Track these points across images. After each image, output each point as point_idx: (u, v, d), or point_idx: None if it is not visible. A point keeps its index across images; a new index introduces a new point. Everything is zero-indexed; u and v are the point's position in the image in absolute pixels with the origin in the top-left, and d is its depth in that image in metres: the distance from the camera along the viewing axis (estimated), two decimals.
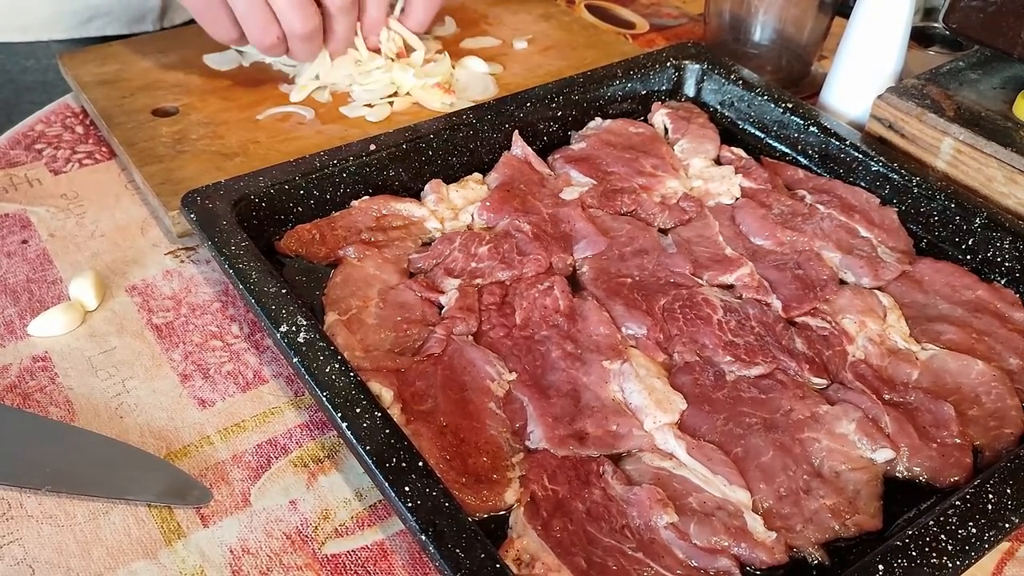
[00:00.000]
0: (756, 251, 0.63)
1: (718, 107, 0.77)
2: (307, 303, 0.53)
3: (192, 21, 0.75)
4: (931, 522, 0.43)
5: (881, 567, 0.41)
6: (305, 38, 0.71)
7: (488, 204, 0.65)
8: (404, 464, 0.43)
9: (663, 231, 0.65)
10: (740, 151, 0.72)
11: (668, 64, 0.78)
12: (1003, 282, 0.61)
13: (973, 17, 0.70)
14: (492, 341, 0.55)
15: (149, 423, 0.52)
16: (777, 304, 0.59)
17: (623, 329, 0.56)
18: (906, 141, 0.71)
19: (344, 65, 0.76)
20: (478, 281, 0.59)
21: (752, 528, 0.46)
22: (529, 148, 0.70)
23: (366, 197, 0.64)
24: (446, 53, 0.81)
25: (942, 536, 0.42)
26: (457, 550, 0.40)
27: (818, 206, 0.66)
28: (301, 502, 0.49)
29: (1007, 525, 0.43)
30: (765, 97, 0.74)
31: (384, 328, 0.55)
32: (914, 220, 0.66)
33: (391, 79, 0.77)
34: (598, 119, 0.75)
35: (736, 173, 0.69)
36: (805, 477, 0.48)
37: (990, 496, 0.44)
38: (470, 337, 0.55)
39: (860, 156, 0.68)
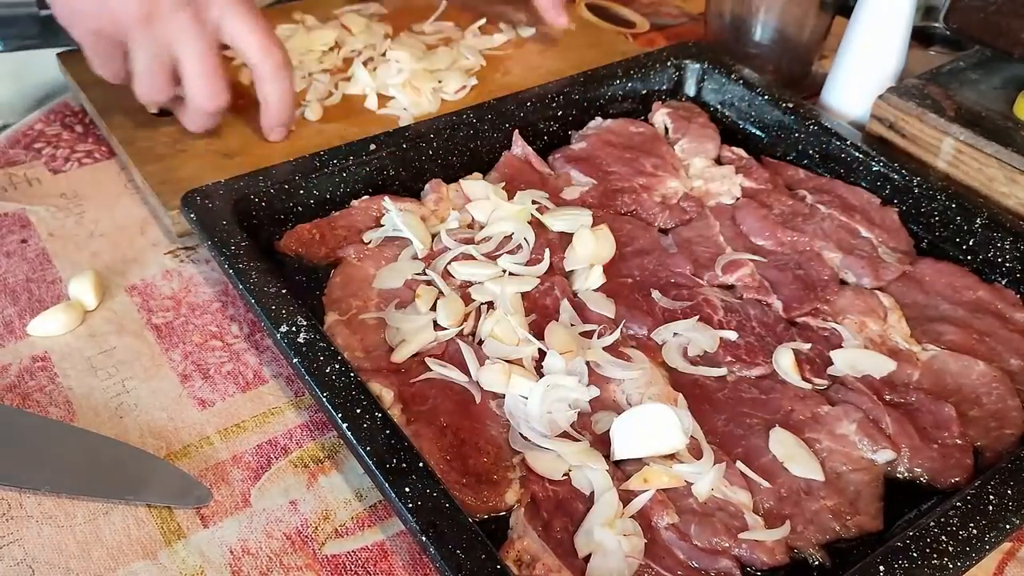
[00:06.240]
0: (757, 251, 0.63)
1: (718, 107, 0.77)
2: (307, 303, 0.53)
3: None
4: (932, 523, 0.43)
5: (882, 568, 0.41)
6: (210, 115, 0.63)
7: None
8: (404, 465, 0.43)
9: (664, 231, 0.65)
10: (741, 151, 0.72)
11: (668, 63, 0.77)
12: (1004, 283, 0.61)
13: (973, 17, 0.70)
14: None
15: (149, 423, 0.52)
16: (778, 304, 0.59)
17: (624, 329, 0.56)
18: (907, 141, 0.71)
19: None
20: None
21: (753, 529, 0.46)
22: (529, 148, 0.70)
23: (366, 197, 0.64)
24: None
25: (943, 537, 0.42)
26: (457, 551, 0.40)
27: (819, 206, 0.66)
28: (301, 502, 0.49)
29: (1008, 526, 0.43)
30: (766, 97, 0.73)
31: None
32: (915, 220, 0.65)
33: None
34: (598, 119, 0.74)
35: (737, 173, 0.69)
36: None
37: (991, 497, 0.44)
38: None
39: (861, 156, 0.68)
